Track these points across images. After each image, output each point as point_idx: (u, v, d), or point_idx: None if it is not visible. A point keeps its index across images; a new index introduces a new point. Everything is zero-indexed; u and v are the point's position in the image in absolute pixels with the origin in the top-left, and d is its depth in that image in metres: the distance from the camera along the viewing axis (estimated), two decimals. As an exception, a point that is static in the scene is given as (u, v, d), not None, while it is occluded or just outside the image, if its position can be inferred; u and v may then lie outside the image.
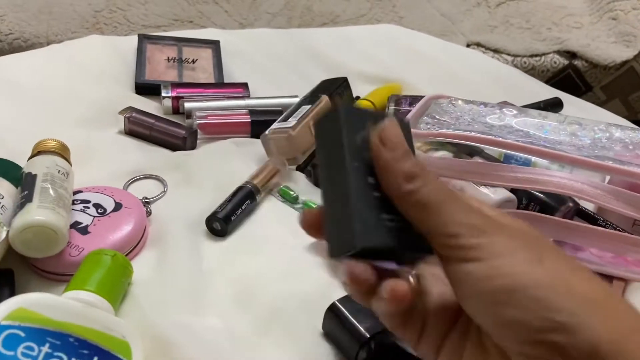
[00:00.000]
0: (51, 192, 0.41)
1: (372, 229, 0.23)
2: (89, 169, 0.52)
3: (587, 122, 0.50)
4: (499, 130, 0.49)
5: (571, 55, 1.18)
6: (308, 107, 0.60)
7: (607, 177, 0.51)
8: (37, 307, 0.33)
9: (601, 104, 1.21)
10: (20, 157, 0.46)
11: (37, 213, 0.39)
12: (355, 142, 0.24)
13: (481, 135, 0.46)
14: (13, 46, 0.92)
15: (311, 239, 0.48)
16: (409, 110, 0.52)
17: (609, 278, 0.47)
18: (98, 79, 0.64)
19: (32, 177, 0.42)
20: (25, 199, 0.40)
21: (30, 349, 0.32)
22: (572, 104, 0.75)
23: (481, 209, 0.24)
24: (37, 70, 0.64)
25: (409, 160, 0.23)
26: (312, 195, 0.54)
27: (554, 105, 0.71)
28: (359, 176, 0.24)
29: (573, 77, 1.19)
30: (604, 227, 0.49)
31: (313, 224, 0.25)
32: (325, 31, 0.85)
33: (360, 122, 0.25)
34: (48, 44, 0.91)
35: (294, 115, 0.58)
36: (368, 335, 0.37)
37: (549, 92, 0.76)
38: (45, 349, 0.32)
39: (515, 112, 0.51)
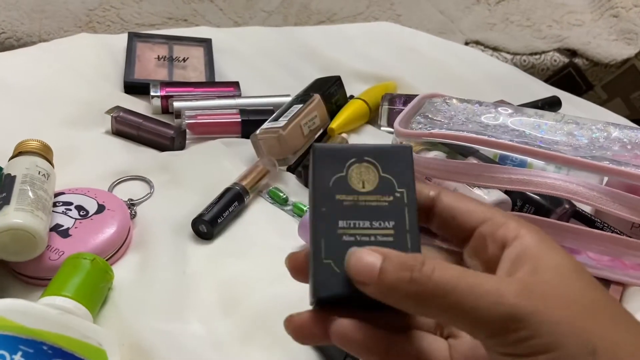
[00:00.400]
0: (30, 194, 0.40)
1: (332, 278, 0.22)
2: (74, 169, 0.51)
3: (584, 121, 0.49)
4: (494, 130, 0.48)
5: (572, 53, 1.16)
6: (299, 106, 0.58)
7: (605, 179, 0.50)
8: (10, 313, 0.32)
9: (602, 103, 1.19)
10: (3, 158, 0.45)
11: (14, 216, 0.38)
12: (326, 184, 0.24)
13: (474, 135, 0.45)
14: (5, 45, 0.91)
15: (300, 242, 0.47)
16: (402, 110, 0.51)
17: (606, 282, 0.46)
18: (86, 78, 0.63)
19: (11, 179, 0.41)
20: (2, 202, 0.39)
21: (2, 357, 0.31)
22: (573, 103, 0.73)
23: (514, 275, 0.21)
24: (24, 68, 0.63)
25: (398, 279, 0.21)
26: (303, 197, 0.53)
27: (552, 104, 0.69)
28: (327, 221, 0.23)
29: (574, 75, 1.17)
30: (601, 229, 0.47)
31: (297, 268, 0.25)
32: (320, 29, 0.83)
33: (336, 161, 0.24)
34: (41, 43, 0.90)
35: (285, 114, 0.57)
36: (355, 343, 0.36)
37: (548, 91, 0.74)
38: (18, 357, 0.31)
39: (511, 111, 0.50)
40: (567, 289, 0.20)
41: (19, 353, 0.31)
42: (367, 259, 0.21)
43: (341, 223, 0.23)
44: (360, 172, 0.24)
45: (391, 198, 0.24)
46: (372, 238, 0.23)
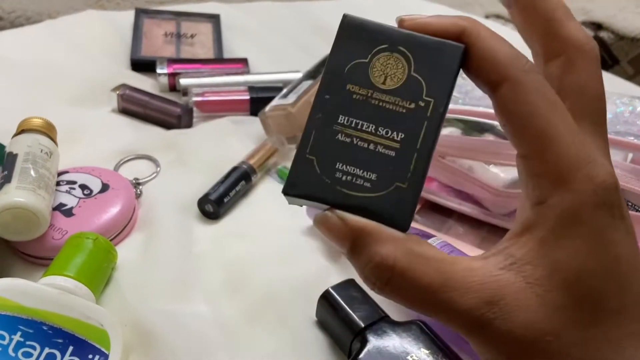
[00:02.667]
0: (32, 172, 0.39)
1: (309, 177, 0.19)
2: (80, 148, 0.50)
3: (608, 94, 0.46)
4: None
5: (597, 26, 1.11)
6: (309, 82, 0.57)
7: (630, 155, 0.47)
8: (9, 293, 0.32)
9: (628, 78, 1.14)
10: (7, 136, 0.45)
11: (15, 194, 0.37)
12: (340, 68, 0.20)
13: (490, 111, 0.43)
14: (15, 24, 0.91)
15: (309, 222, 0.46)
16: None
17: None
18: (93, 55, 0.62)
19: (12, 157, 0.40)
20: (4, 180, 0.38)
21: (1, 337, 0.31)
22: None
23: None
24: (30, 46, 0.62)
25: (368, 255, 0.19)
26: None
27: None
28: (326, 112, 0.20)
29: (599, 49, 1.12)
30: (625, 209, 0.45)
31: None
32: (331, 3, 0.81)
33: (363, 42, 0.20)
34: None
35: (294, 91, 0.56)
36: (362, 325, 0.35)
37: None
38: (17, 337, 0.31)
39: (530, 85, 0.47)
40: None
41: (19, 333, 0.31)
42: (341, 240, 0.19)
43: (341, 118, 0.20)
44: (387, 63, 0.20)
45: (412, 105, 0.20)
46: (371, 146, 0.20)
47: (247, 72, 0.62)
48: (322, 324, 0.38)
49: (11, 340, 0.31)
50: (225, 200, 0.46)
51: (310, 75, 0.58)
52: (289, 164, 0.52)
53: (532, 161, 0.19)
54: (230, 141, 0.54)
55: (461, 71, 0.20)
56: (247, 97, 0.58)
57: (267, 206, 0.48)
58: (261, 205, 0.48)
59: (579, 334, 0.18)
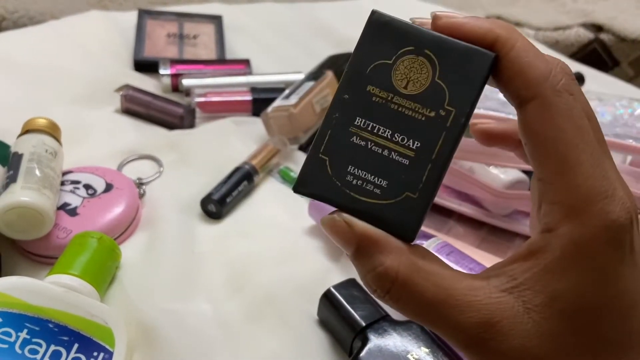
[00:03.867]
0: (37, 172, 0.40)
1: (320, 177, 0.19)
2: (83, 148, 0.50)
3: (608, 97, 0.46)
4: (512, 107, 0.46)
5: (597, 28, 1.12)
6: (312, 83, 0.57)
7: (629, 157, 0.48)
8: (16, 291, 0.32)
9: (629, 80, 1.15)
10: (12, 136, 0.45)
11: (21, 194, 0.38)
12: (363, 68, 0.19)
13: (491, 113, 0.43)
14: (18, 24, 0.91)
15: (311, 222, 0.46)
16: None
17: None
18: (96, 56, 0.63)
19: (18, 157, 0.41)
20: (9, 180, 0.39)
21: (8, 334, 0.31)
22: (597, 80, 0.70)
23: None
24: (33, 46, 0.63)
25: (373, 262, 0.19)
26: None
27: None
28: (344, 112, 0.19)
29: (599, 51, 1.13)
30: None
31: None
32: (333, 4, 0.81)
33: (389, 42, 0.19)
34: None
35: (297, 92, 0.56)
36: (363, 324, 0.35)
37: (572, 68, 0.71)
38: (23, 334, 0.31)
39: (530, 87, 0.48)
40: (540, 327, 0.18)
41: (25, 330, 0.31)
42: (346, 244, 0.19)
43: (358, 120, 0.19)
44: (412, 67, 0.19)
45: (432, 114, 0.19)
46: (385, 152, 0.19)
47: (250, 73, 0.63)
48: (323, 323, 0.38)
49: (17, 337, 0.31)
50: (228, 200, 0.46)
51: (312, 76, 0.59)
52: (291, 165, 0.53)
53: (547, 186, 0.18)
54: (232, 142, 0.54)
55: None
56: (250, 98, 0.58)
57: (269, 206, 0.48)
58: (263, 205, 0.48)
59: None
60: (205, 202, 0.46)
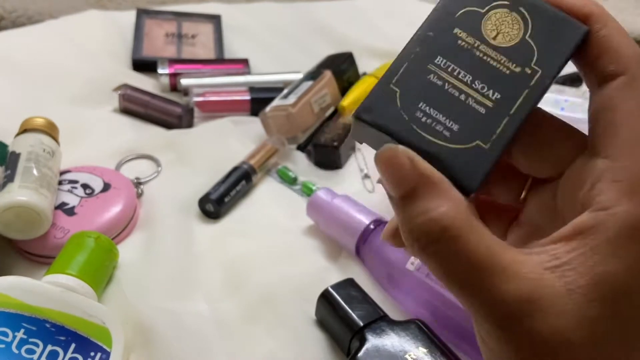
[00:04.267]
0: (34, 171, 0.40)
1: (385, 106, 0.18)
2: (81, 148, 0.50)
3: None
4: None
5: (596, 28, 1.12)
6: (310, 83, 0.57)
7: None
8: (13, 291, 0.32)
9: (627, 80, 1.14)
10: (9, 135, 0.45)
11: (18, 193, 0.37)
12: (452, 9, 0.19)
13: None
14: (16, 24, 0.90)
15: (309, 222, 0.46)
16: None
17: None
18: (94, 55, 0.62)
19: (15, 156, 0.41)
20: (7, 179, 0.39)
21: (4, 334, 0.31)
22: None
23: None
24: (31, 46, 0.63)
25: (423, 210, 0.17)
26: (312, 177, 0.51)
27: (573, 81, 0.67)
28: (425, 49, 0.19)
29: (598, 52, 1.13)
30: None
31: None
32: (332, 3, 0.81)
33: None
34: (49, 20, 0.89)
35: (295, 91, 0.56)
36: (361, 324, 0.35)
37: (571, 67, 0.71)
38: (20, 334, 0.31)
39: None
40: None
41: (22, 330, 0.31)
42: (400, 181, 0.18)
43: (439, 60, 0.19)
44: (504, 20, 0.19)
45: (518, 69, 0.19)
46: (462, 96, 0.18)
47: (248, 73, 0.63)
48: (321, 323, 0.38)
49: (14, 337, 0.31)
50: (226, 200, 0.46)
51: (311, 76, 0.59)
52: (289, 165, 0.53)
53: (612, 163, 0.18)
54: (230, 141, 0.54)
55: None
56: (248, 98, 0.58)
57: (267, 206, 0.48)
58: (261, 205, 0.48)
59: (610, 350, 0.17)
60: (203, 201, 0.46)
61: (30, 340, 0.31)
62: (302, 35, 0.72)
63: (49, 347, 0.31)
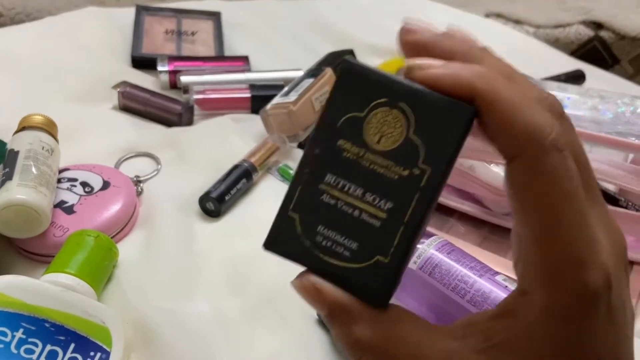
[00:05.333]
0: (33, 169, 0.39)
1: (287, 235, 0.19)
2: (80, 145, 0.50)
3: (609, 94, 0.46)
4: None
5: (597, 26, 1.12)
6: (311, 80, 0.57)
7: (631, 155, 0.47)
8: (11, 290, 0.32)
9: (629, 78, 1.14)
10: (8, 133, 0.45)
11: (17, 192, 0.37)
12: (334, 121, 0.18)
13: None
14: (15, 21, 0.90)
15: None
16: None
17: (629, 264, 0.44)
18: (93, 52, 0.62)
19: (14, 154, 0.40)
20: (5, 177, 0.38)
21: (3, 334, 0.31)
22: (598, 77, 0.70)
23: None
24: (30, 43, 0.62)
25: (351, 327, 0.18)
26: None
27: (575, 78, 0.66)
28: (314, 168, 0.18)
29: (599, 49, 1.12)
30: (626, 208, 0.45)
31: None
32: (333, 1, 0.81)
33: (361, 93, 0.18)
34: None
35: (296, 89, 0.56)
36: (363, 324, 0.35)
37: (572, 65, 0.71)
38: (19, 334, 0.31)
39: (531, 84, 0.47)
40: None
41: (21, 330, 0.31)
42: (317, 306, 0.19)
43: (328, 177, 0.18)
44: (385, 120, 0.18)
45: (406, 172, 0.18)
46: (356, 213, 0.18)
47: (248, 70, 0.62)
48: (323, 322, 0.38)
49: (13, 337, 0.31)
50: (227, 198, 0.46)
51: (312, 73, 0.58)
52: (290, 162, 0.53)
53: (527, 245, 0.18)
54: (231, 139, 0.54)
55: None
56: (248, 95, 0.58)
57: (268, 204, 0.48)
58: (262, 203, 0.48)
59: None
60: (203, 200, 0.46)
61: (30, 340, 0.31)
62: (303, 33, 0.72)
63: (48, 347, 0.31)
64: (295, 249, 0.19)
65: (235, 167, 0.48)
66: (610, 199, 0.46)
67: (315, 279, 0.19)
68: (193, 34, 0.67)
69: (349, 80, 0.18)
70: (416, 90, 0.18)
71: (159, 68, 0.59)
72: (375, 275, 0.18)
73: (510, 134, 0.17)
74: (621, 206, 0.45)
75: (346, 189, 0.18)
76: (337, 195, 0.18)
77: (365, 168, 0.18)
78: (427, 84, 0.18)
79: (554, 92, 0.48)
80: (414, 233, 0.18)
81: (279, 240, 0.19)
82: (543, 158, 0.17)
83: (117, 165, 0.49)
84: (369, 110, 0.18)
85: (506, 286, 0.32)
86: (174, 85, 0.60)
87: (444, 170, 0.18)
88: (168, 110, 0.55)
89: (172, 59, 0.61)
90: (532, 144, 0.17)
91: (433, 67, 0.18)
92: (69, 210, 0.41)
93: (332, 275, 0.19)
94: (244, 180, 0.48)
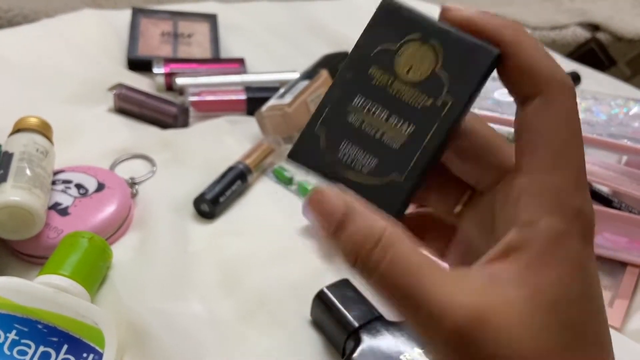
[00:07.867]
0: (28, 171, 0.39)
1: (311, 148, 0.20)
2: (76, 147, 0.50)
3: (603, 96, 0.46)
4: (507, 107, 0.45)
5: (594, 27, 1.12)
6: (306, 82, 0.57)
7: (624, 158, 0.47)
8: (4, 291, 0.32)
9: (626, 79, 1.14)
10: (3, 135, 0.45)
11: (11, 193, 0.37)
12: (368, 50, 0.20)
13: (486, 113, 0.43)
14: (12, 23, 0.90)
15: (305, 222, 0.46)
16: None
17: (623, 265, 0.44)
18: (89, 54, 0.62)
19: (8, 156, 0.40)
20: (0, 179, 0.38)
21: (-4, 336, 0.31)
22: (595, 79, 0.70)
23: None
24: (26, 45, 0.62)
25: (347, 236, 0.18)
26: (308, 177, 0.51)
27: (572, 80, 0.66)
28: (344, 90, 0.20)
29: (596, 51, 1.13)
30: (619, 209, 0.45)
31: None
32: (328, 3, 0.81)
33: (396, 27, 0.20)
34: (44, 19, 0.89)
35: (291, 91, 0.56)
36: (356, 324, 0.35)
37: (569, 67, 0.71)
38: (12, 335, 0.31)
39: (525, 86, 0.48)
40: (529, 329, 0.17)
41: (14, 331, 0.31)
42: (330, 213, 0.18)
43: (357, 99, 0.20)
44: (415, 54, 0.20)
45: (429, 102, 0.19)
46: (378, 134, 0.20)
47: (244, 72, 0.63)
48: (316, 323, 0.38)
49: (6, 338, 0.31)
50: (221, 199, 0.46)
51: (307, 75, 0.58)
52: (285, 165, 0.53)
53: (535, 178, 0.19)
54: (226, 141, 0.54)
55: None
56: (244, 97, 0.58)
57: (263, 206, 0.48)
58: (257, 205, 0.48)
59: (566, 356, 0.18)
60: (198, 201, 0.46)
61: (22, 341, 0.31)
62: (299, 35, 0.72)
63: (41, 348, 0.31)
64: (318, 161, 0.20)
65: (230, 168, 0.48)
66: (604, 200, 0.46)
67: (333, 187, 0.19)
68: (189, 36, 0.67)
69: (387, 15, 0.20)
70: (448, 29, 0.20)
71: (155, 70, 0.60)
72: (388, 193, 0.20)
73: (532, 73, 0.19)
74: (615, 208, 0.45)
75: (372, 111, 0.20)
76: (363, 117, 0.20)
77: (392, 95, 0.20)
78: (461, 24, 0.20)
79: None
80: (430, 157, 0.19)
81: (303, 152, 0.20)
82: (560, 96, 0.18)
83: (112, 167, 0.50)
84: (402, 44, 0.20)
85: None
86: (169, 87, 0.60)
87: (464, 104, 0.19)
88: (163, 112, 0.55)
89: (167, 61, 0.61)
90: (553, 83, 0.18)
91: (468, 10, 0.20)
92: (64, 212, 0.41)
93: (350, 189, 0.20)
94: (238, 182, 0.48)
